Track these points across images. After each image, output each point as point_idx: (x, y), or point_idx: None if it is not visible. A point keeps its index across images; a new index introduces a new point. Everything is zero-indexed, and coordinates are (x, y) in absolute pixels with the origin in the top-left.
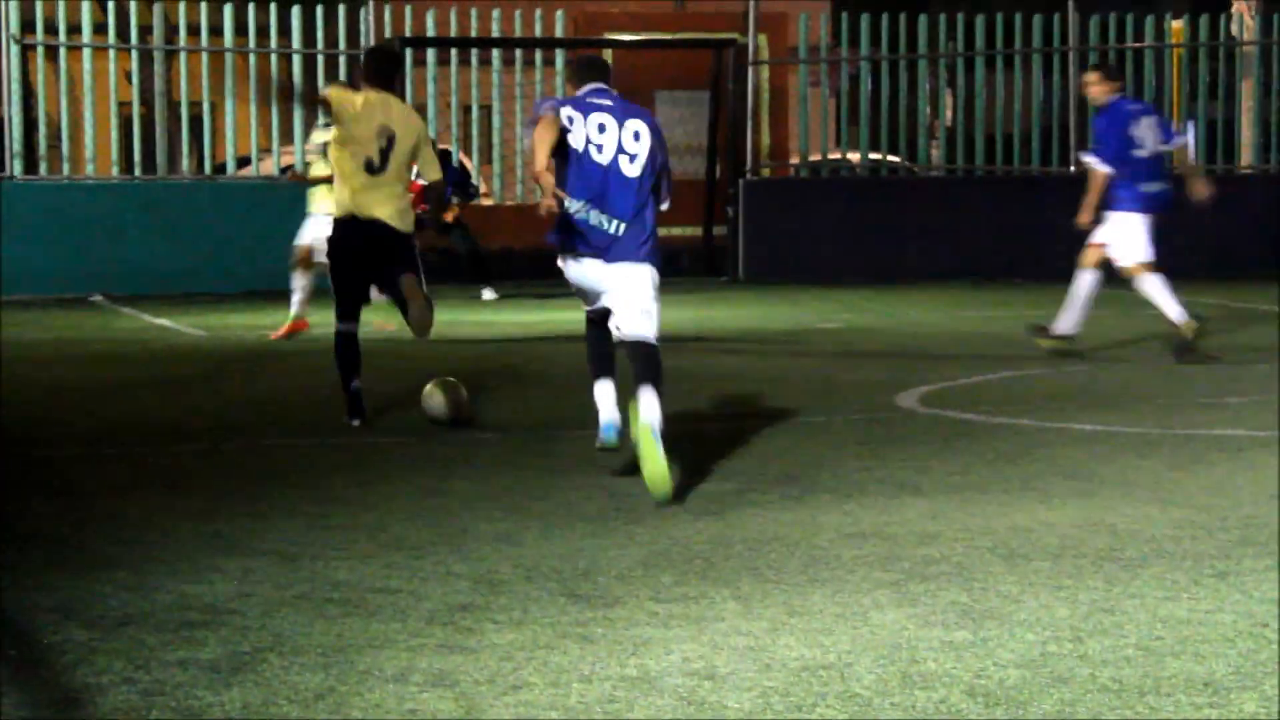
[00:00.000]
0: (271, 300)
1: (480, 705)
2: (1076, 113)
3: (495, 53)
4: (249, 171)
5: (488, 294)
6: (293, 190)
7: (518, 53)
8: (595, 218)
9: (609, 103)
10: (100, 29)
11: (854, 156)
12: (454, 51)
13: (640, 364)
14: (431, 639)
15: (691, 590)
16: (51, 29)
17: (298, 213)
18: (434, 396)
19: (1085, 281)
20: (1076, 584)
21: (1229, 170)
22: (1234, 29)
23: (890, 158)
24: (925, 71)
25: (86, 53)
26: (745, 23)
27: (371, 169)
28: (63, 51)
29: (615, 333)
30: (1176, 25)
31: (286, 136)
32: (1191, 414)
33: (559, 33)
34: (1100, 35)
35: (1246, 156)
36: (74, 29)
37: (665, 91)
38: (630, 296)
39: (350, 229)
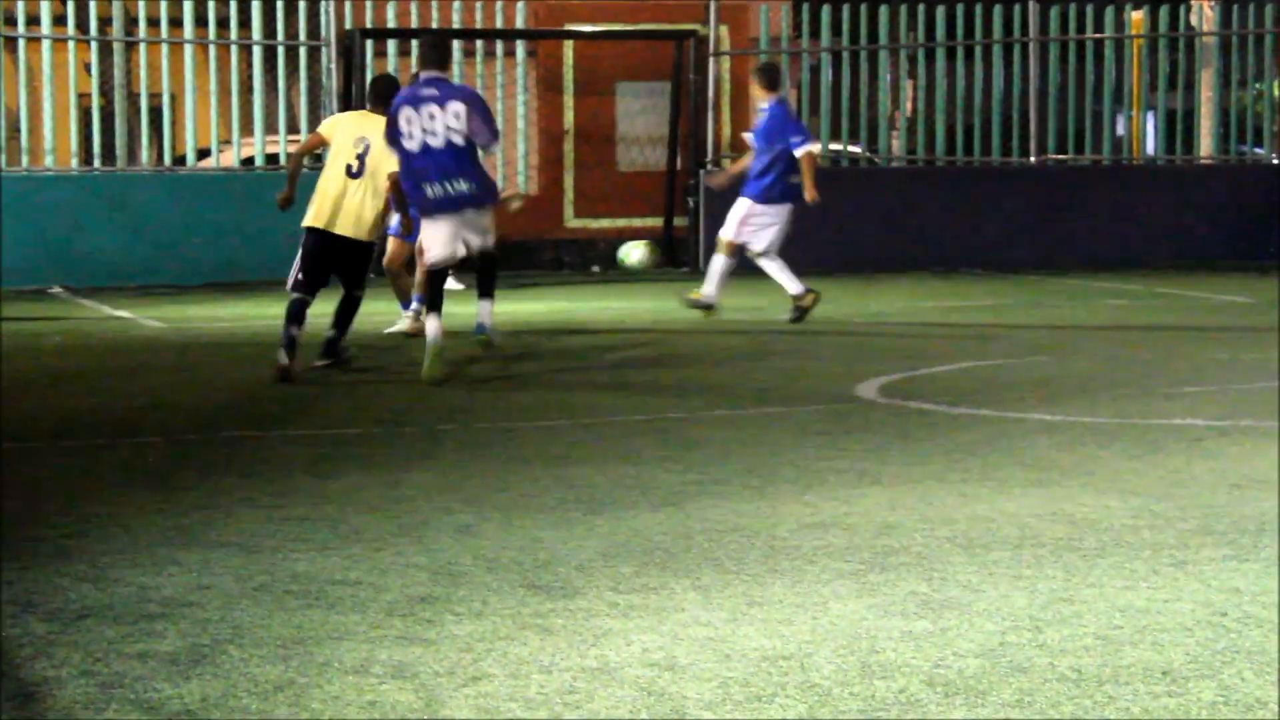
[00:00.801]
0: (231, 292)
1: (440, 697)
2: (1037, 103)
3: (456, 44)
4: (209, 163)
5: (452, 284)
6: (252, 182)
7: (478, 43)
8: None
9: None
10: (59, 20)
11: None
12: (415, 43)
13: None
14: (391, 630)
15: (651, 581)
16: (10, 20)
17: (258, 205)
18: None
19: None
20: (1035, 574)
21: (1188, 161)
22: (1193, 20)
23: (851, 148)
24: (886, 62)
25: (45, 44)
26: (706, 14)
27: (350, 174)
28: (21, 43)
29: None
30: (1136, 16)
31: (247, 129)
32: (1150, 404)
33: (520, 24)
34: (1060, 26)
35: (1206, 147)
36: (33, 20)
37: (626, 82)
38: None
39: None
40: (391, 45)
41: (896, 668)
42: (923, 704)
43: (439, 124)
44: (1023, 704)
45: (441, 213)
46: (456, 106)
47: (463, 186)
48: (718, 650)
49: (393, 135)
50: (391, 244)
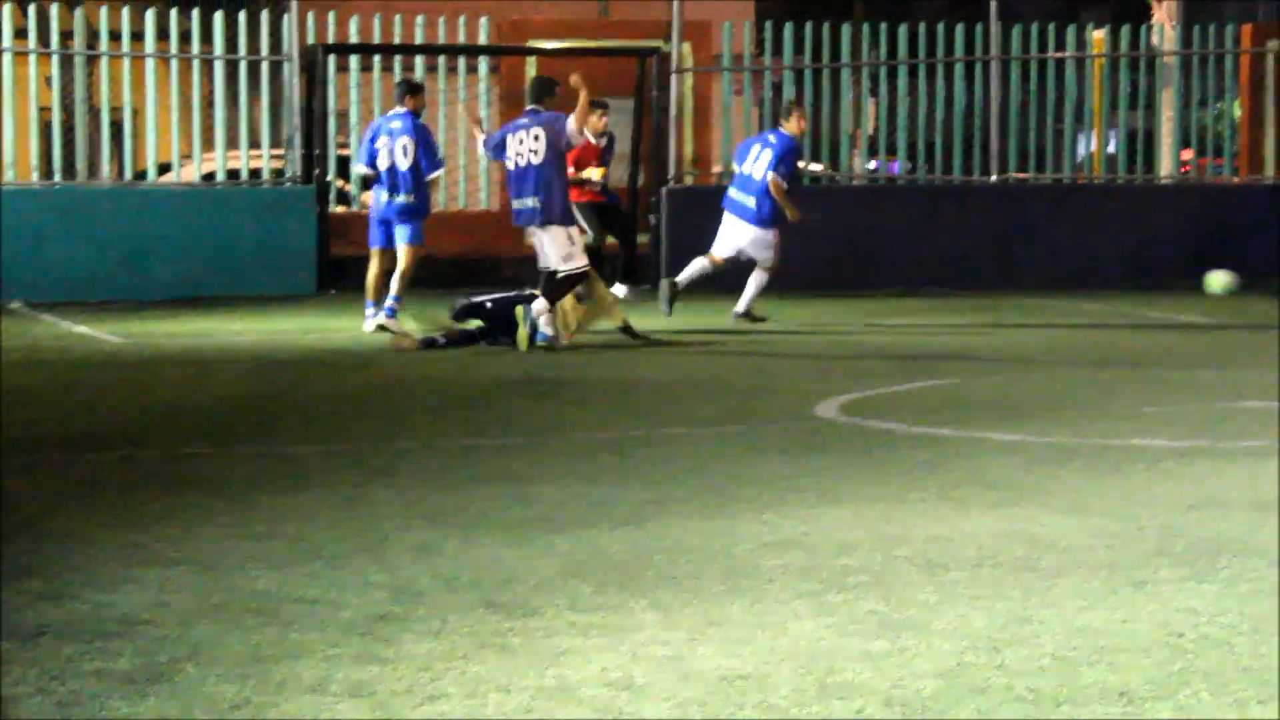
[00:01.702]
0: (192, 308)
1: (397, 715)
2: (998, 121)
3: (418, 59)
4: (170, 178)
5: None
6: (213, 197)
7: (441, 59)
8: None
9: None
10: (20, 33)
11: None
12: (377, 58)
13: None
14: (349, 649)
15: (610, 600)
16: None
17: (219, 220)
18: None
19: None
20: (994, 594)
21: (1149, 180)
22: (1154, 40)
23: (813, 166)
24: (848, 80)
25: (6, 57)
26: (669, 31)
27: None
28: None
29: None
30: (1097, 35)
31: (208, 144)
32: (1109, 424)
33: (482, 40)
34: (1022, 45)
35: (1166, 166)
36: None
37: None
38: None
39: None
40: (354, 61)
41: (854, 688)
42: None
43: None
44: None
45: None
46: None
47: (529, 203)
48: (676, 670)
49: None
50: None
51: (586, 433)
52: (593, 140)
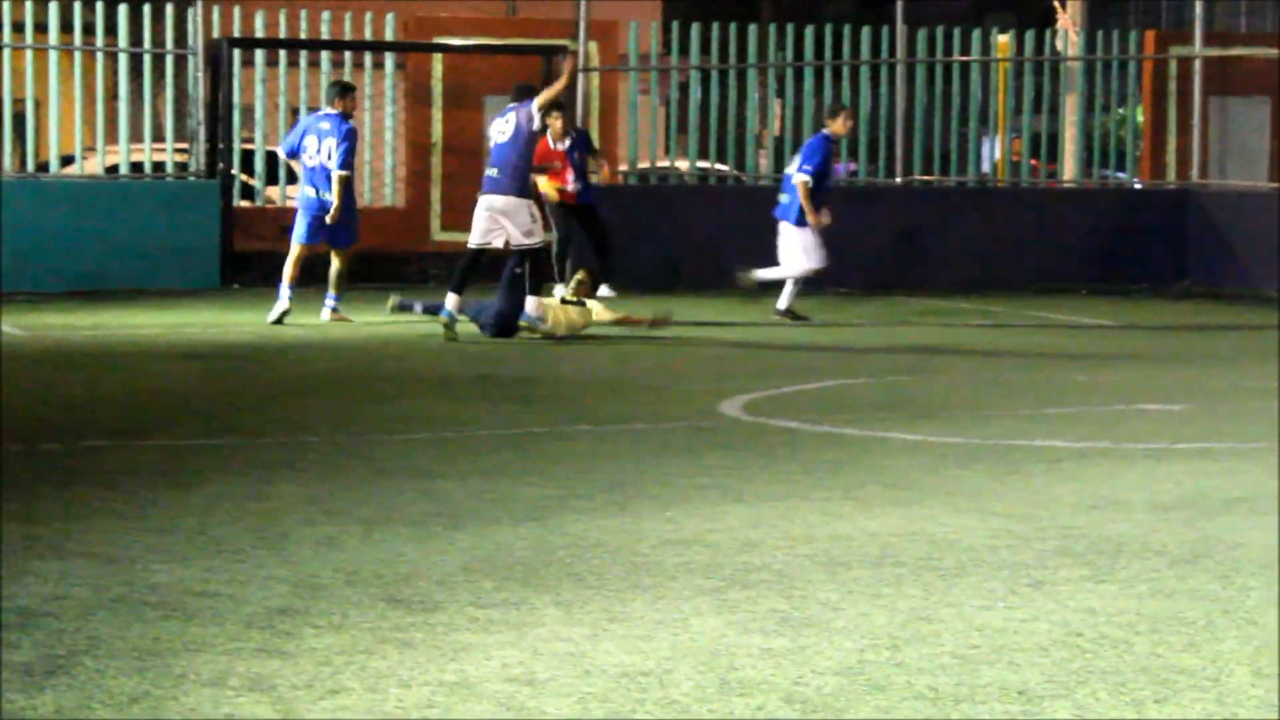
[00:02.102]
0: (93, 301)
1: (298, 710)
2: (904, 124)
3: (325, 55)
4: (73, 170)
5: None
6: (116, 190)
7: (347, 55)
8: None
9: None
10: None
11: (683, 165)
12: (283, 53)
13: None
14: (249, 643)
15: (512, 596)
16: None
17: (121, 213)
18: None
19: None
20: (895, 592)
21: (1052, 185)
22: (1059, 45)
23: (719, 166)
24: (755, 81)
25: None
26: (576, 30)
27: None
28: None
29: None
30: (1003, 40)
31: (112, 136)
32: (1011, 425)
33: (389, 36)
34: (928, 48)
35: (1069, 171)
36: None
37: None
38: None
39: None
40: (259, 55)
41: (755, 685)
42: None
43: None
44: None
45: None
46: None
47: (491, 173)
48: (577, 666)
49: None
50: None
51: (490, 429)
52: (553, 145)
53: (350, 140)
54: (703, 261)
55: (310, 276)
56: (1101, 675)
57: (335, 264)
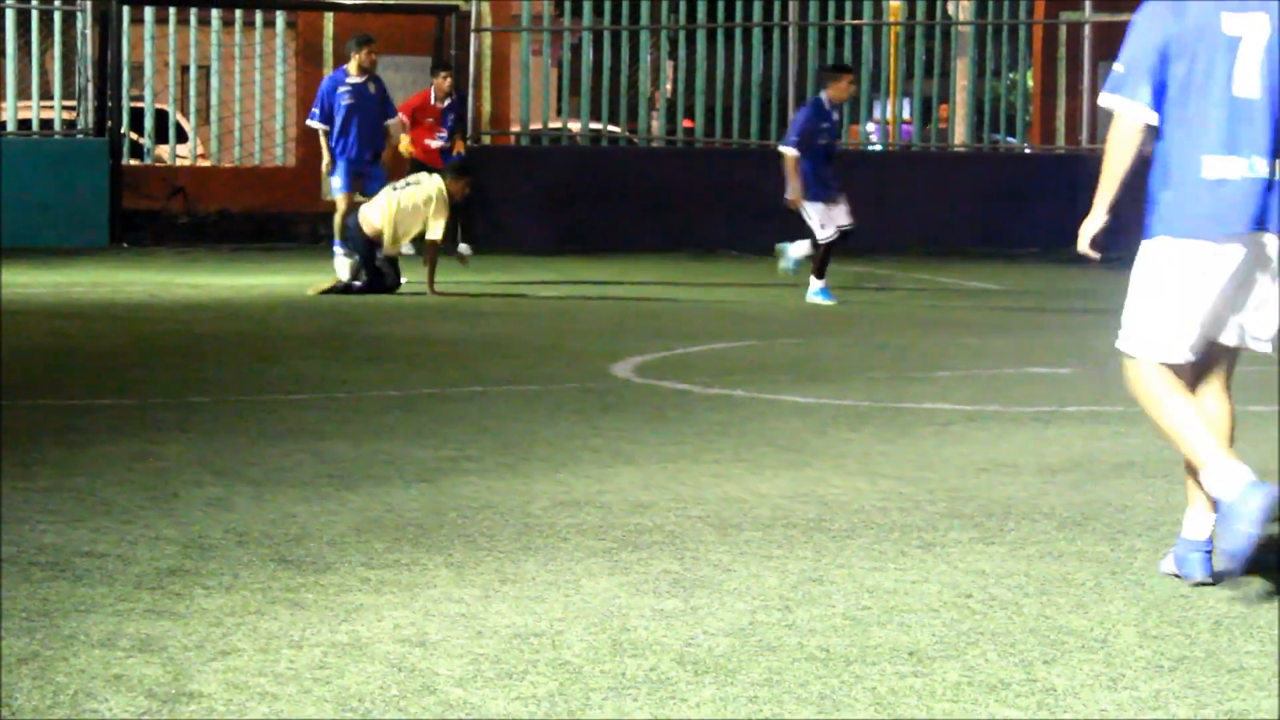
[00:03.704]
0: None
1: (188, 670)
2: (795, 87)
3: (215, 13)
4: None
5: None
6: (3, 148)
7: (238, 13)
8: None
9: None
10: None
11: (575, 126)
12: (173, 10)
13: None
14: (139, 603)
15: (404, 557)
16: None
17: (10, 170)
18: None
19: None
20: (786, 554)
21: (942, 148)
22: (950, 9)
23: (611, 128)
24: (647, 43)
25: None
26: None
27: None
28: None
29: None
30: (894, 4)
31: (25, 93)
32: (901, 388)
33: None
34: (820, 12)
35: (960, 135)
36: None
37: (387, 56)
38: None
39: None
40: (149, 12)
41: (647, 646)
42: (672, 682)
43: None
44: (771, 683)
45: None
46: None
47: None
48: (469, 627)
49: None
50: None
51: (381, 390)
52: (433, 101)
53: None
54: (594, 222)
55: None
56: (991, 636)
57: None
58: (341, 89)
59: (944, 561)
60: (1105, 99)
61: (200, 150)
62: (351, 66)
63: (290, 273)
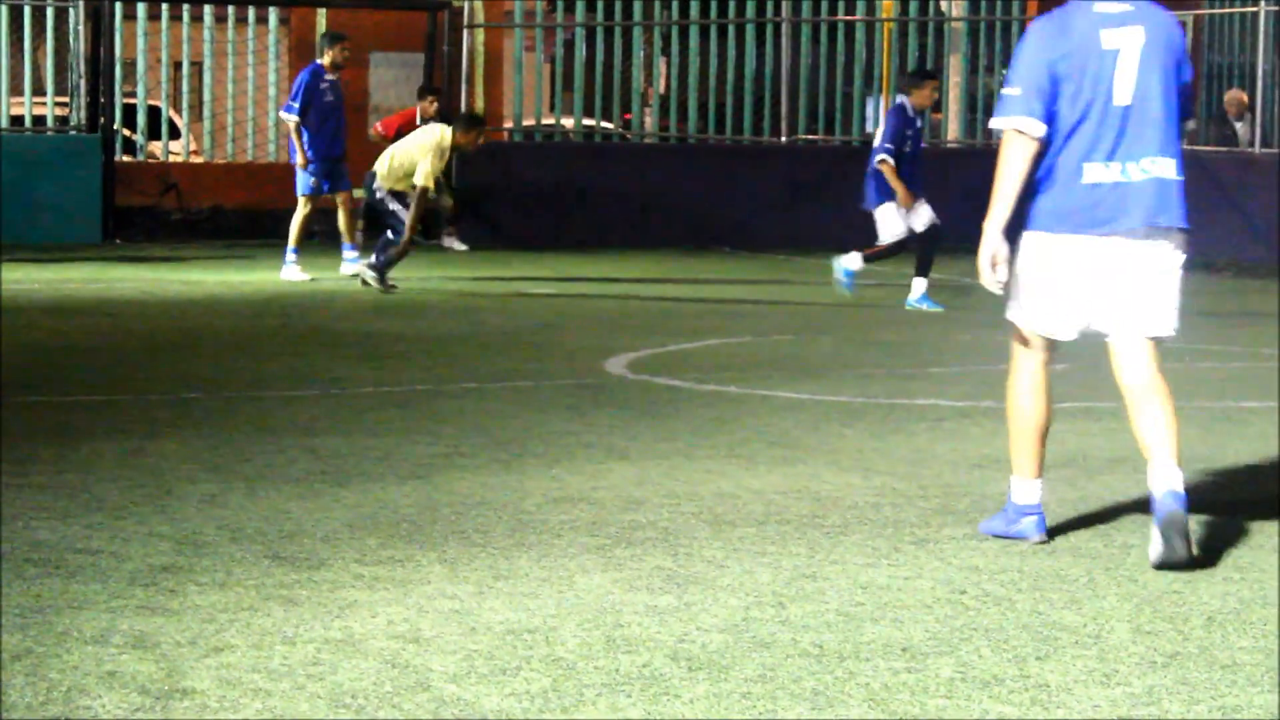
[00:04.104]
0: None
1: (182, 667)
2: (789, 83)
3: (207, 9)
4: None
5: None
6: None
7: (230, 10)
8: None
9: None
10: None
11: (568, 122)
12: (165, 7)
13: None
14: (133, 600)
15: (398, 553)
16: None
17: (3, 166)
18: None
19: None
20: (780, 550)
21: (936, 145)
22: (943, 6)
23: (604, 124)
24: (640, 39)
25: None
26: None
27: None
28: None
29: None
30: (887, 1)
31: (17, 89)
32: (894, 384)
33: None
34: (813, 8)
35: (953, 131)
36: None
37: (380, 53)
38: None
39: None
40: (141, 9)
41: (641, 642)
42: (666, 678)
43: None
44: (765, 679)
45: None
46: None
47: None
48: (463, 623)
49: None
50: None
51: (374, 386)
52: (418, 122)
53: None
54: (587, 218)
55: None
56: (984, 632)
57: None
58: (323, 84)
59: (937, 557)
60: (999, 122)
61: (193, 146)
62: (326, 61)
63: (280, 268)
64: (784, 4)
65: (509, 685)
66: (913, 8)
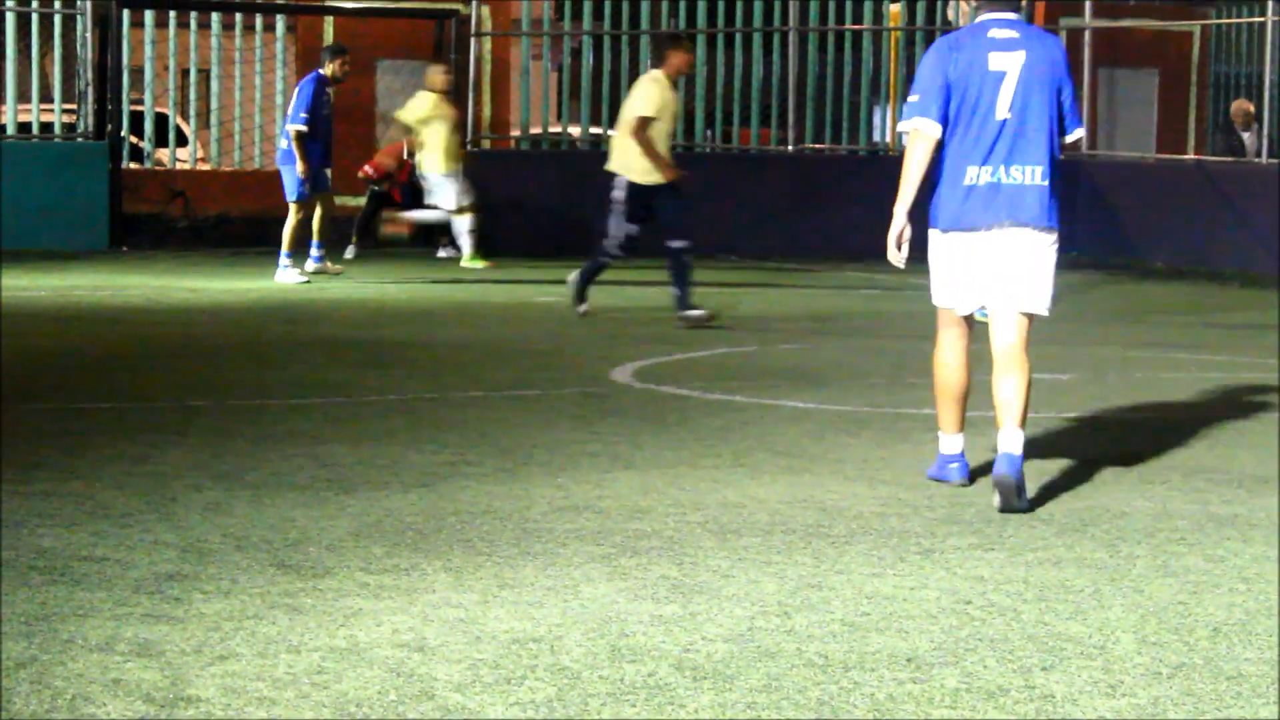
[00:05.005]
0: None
1: (186, 675)
2: (795, 92)
3: (215, 16)
4: None
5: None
6: (3, 151)
7: (238, 17)
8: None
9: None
10: None
11: (575, 130)
12: (172, 14)
13: None
14: (138, 608)
15: (403, 562)
16: None
17: (10, 173)
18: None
19: None
20: (785, 560)
21: None
22: (950, 15)
23: (610, 132)
24: (647, 48)
25: None
26: None
27: None
28: None
29: None
30: (894, 9)
31: (24, 96)
32: (900, 393)
33: None
34: (820, 17)
35: None
36: None
37: (387, 60)
38: None
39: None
40: (149, 16)
41: (646, 651)
42: (671, 688)
43: None
44: (770, 689)
45: None
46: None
47: None
48: (468, 632)
49: None
50: None
51: (379, 394)
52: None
53: (298, 95)
54: (594, 227)
55: (201, 240)
56: (990, 642)
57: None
58: (324, 96)
59: (943, 567)
60: (904, 125)
61: (200, 154)
62: (328, 72)
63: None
64: (790, 13)
65: (514, 694)
66: (919, 17)
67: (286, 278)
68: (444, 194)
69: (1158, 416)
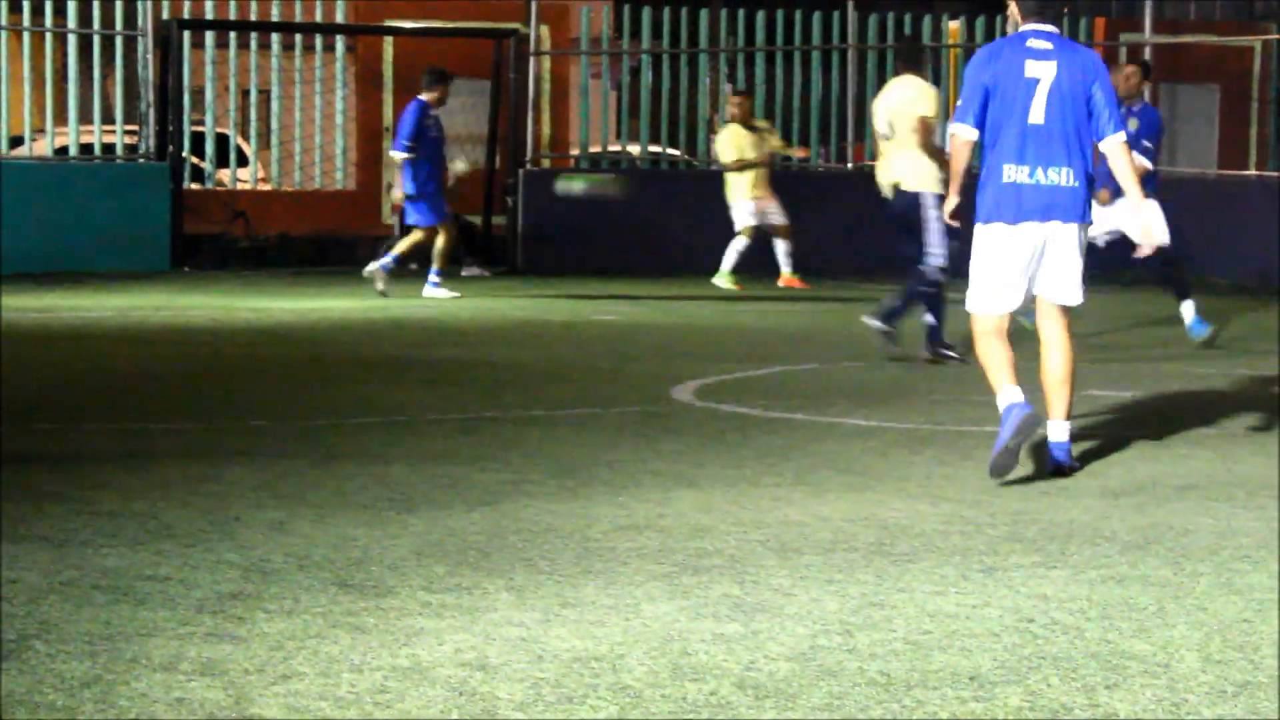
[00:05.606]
0: (43, 283)
1: (249, 694)
2: (855, 109)
3: (275, 37)
4: (22, 152)
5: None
6: (65, 172)
7: (298, 38)
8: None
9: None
10: None
11: (634, 149)
12: (233, 35)
13: None
14: (201, 627)
15: (464, 580)
16: None
17: (71, 195)
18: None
19: None
20: (847, 578)
21: None
22: (1009, 30)
23: (669, 150)
24: (706, 66)
25: None
26: (527, 13)
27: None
28: None
29: None
30: (953, 26)
31: (61, 118)
32: (962, 410)
33: (339, 18)
34: (879, 33)
35: None
36: None
37: None
38: None
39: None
40: (209, 37)
41: (708, 670)
42: (733, 706)
43: None
44: (832, 707)
45: None
46: None
47: None
48: (530, 651)
49: None
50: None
51: (441, 414)
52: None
53: (399, 123)
54: (652, 246)
55: (263, 260)
56: (1053, 661)
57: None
58: (428, 120)
59: (1005, 585)
60: (951, 127)
61: (261, 174)
62: (430, 97)
63: (350, 297)
64: (850, 30)
65: (575, 713)
66: (979, 33)
67: (436, 293)
68: (740, 214)
69: (1221, 434)
